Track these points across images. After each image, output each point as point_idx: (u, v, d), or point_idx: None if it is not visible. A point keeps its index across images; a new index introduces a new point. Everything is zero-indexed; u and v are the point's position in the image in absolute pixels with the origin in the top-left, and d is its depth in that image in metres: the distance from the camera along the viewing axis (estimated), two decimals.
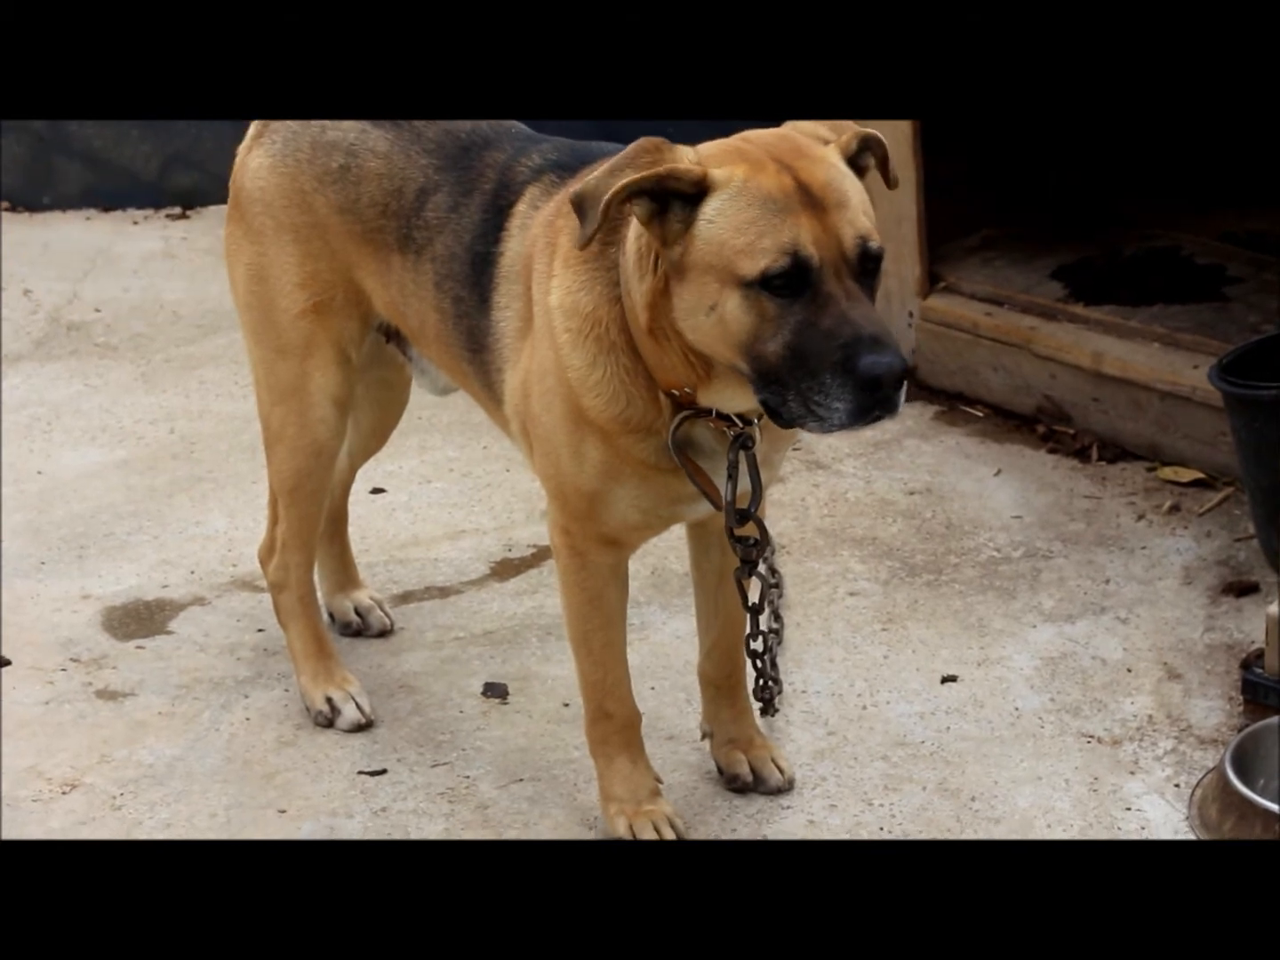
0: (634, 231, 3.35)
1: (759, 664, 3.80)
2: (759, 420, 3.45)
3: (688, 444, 3.48)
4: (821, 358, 3.18)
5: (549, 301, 3.48)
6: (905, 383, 3.19)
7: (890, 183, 3.44)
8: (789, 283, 3.20)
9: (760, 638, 3.76)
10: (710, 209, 3.24)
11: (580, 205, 3.28)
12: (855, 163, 3.35)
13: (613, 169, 3.26)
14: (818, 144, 3.32)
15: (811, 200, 3.23)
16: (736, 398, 3.38)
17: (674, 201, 3.25)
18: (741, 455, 3.46)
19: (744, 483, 3.49)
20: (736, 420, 3.43)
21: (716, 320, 3.26)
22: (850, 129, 3.36)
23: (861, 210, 3.27)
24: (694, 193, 3.24)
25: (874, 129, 3.38)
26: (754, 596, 3.70)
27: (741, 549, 3.58)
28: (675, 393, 3.42)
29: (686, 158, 3.28)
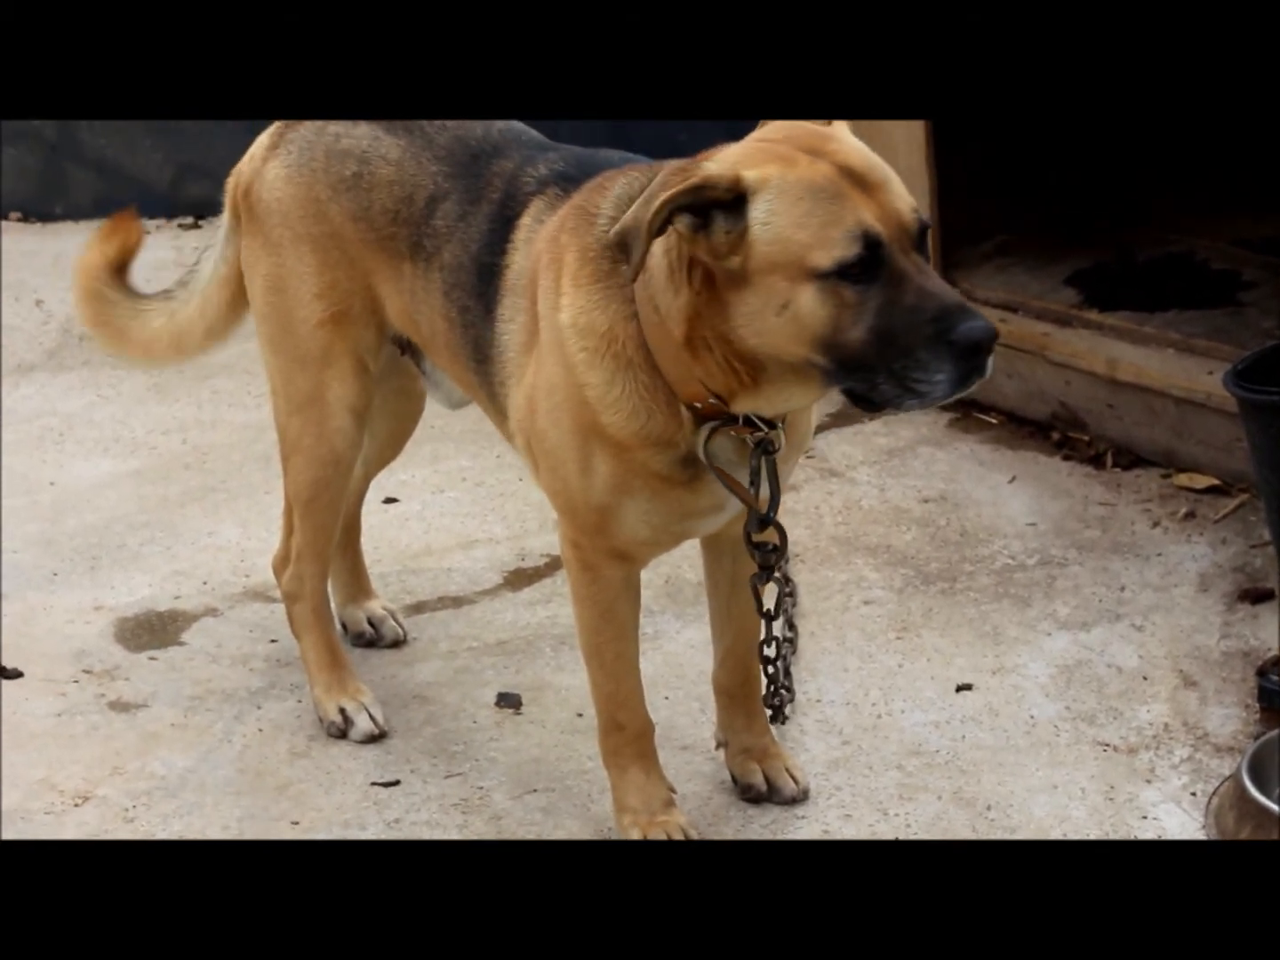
0: (660, 247, 3.31)
1: (771, 670, 3.78)
2: (781, 425, 3.44)
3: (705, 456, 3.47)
4: (913, 334, 3.18)
5: (559, 320, 3.45)
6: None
7: None
8: (865, 267, 3.19)
9: (773, 643, 3.75)
10: (760, 211, 3.22)
11: (623, 241, 3.25)
12: None
13: (648, 198, 3.23)
14: (828, 129, 3.31)
15: (859, 182, 3.22)
16: (790, 398, 3.36)
17: (715, 213, 3.22)
18: (762, 461, 3.45)
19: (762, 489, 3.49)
20: (761, 425, 3.42)
21: (790, 319, 3.22)
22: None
23: (901, 183, 3.28)
24: (731, 199, 3.21)
25: (886, 129, 3.37)
26: (769, 603, 3.68)
27: (760, 555, 3.57)
28: (698, 405, 3.41)
29: (712, 169, 3.25)
